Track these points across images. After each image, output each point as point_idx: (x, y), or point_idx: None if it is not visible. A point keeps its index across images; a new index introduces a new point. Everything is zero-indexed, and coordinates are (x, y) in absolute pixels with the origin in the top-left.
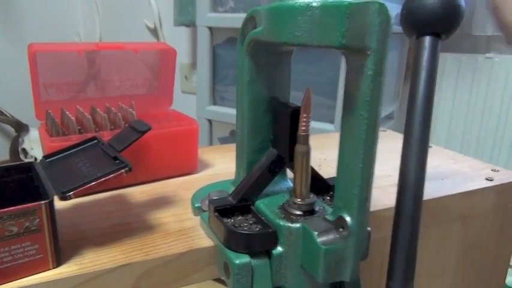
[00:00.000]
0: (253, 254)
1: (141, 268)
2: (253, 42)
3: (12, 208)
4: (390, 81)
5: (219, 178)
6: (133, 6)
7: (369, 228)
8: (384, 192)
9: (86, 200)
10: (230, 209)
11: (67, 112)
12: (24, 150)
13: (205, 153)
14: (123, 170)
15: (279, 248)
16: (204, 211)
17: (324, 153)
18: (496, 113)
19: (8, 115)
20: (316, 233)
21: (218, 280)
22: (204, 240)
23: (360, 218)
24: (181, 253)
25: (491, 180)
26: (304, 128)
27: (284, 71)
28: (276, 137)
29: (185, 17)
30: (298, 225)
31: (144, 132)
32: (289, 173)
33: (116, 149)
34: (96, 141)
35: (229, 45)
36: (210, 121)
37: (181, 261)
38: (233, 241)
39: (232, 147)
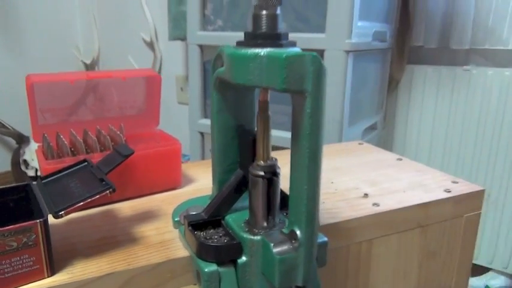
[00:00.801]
0: (221, 263)
1: (124, 276)
2: (219, 80)
3: (12, 226)
4: (373, 93)
5: (200, 193)
6: (130, 20)
7: (325, 238)
8: (349, 204)
9: (78, 215)
10: (204, 223)
11: (61, 136)
12: (25, 161)
13: (189, 168)
14: (107, 191)
15: (243, 258)
16: (182, 225)
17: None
18: (474, 122)
19: (9, 127)
20: (272, 244)
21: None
22: (181, 251)
23: (308, 231)
24: (160, 263)
25: (448, 191)
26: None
27: (248, 103)
28: (243, 159)
29: (179, 31)
30: (258, 237)
31: (127, 156)
32: None
33: (102, 171)
34: (86, 163)
35: None
36: (202, 134)
37: (160, 269)
38: (203, 252)
39: None
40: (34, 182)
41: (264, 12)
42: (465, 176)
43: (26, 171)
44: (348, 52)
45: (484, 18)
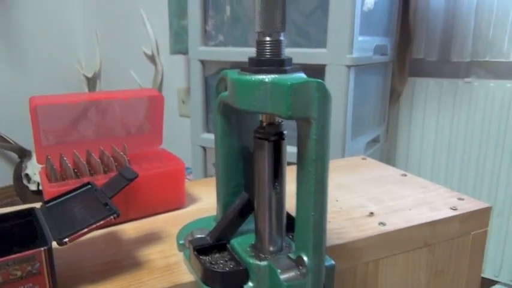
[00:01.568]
0: None
1: None
2: (223, 103)
3: (16, 255)
4: (375, 106)
5: (204, 212)
6: (132, 34)
7: (332, 262)
8: (354, 223)
9: (82, 238)
10: (209, 247)
11: (65, 158)
12: (27, 175)
13: (193, 186)
14: (111, 217)
15: (250, 284)
16: (187, 248)
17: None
18: (477, 134)
19: (11, 142)
20: (279, 270)
21: None
22: (186, 275)
23: (315, 258)
24: None
25: (455, 209)
26: None
27: (252, 126)
28: (247, 182)
29: (180, 45)
30: (265, 263)
31: (131, 180)
32: None
33: (106, 195)
34: (90, 186)
35: None
36: (204, 148)
37: None
38: (209, 278)
39: None
40: (38, 206)
41: (268, 38)
42: (469, 188)
43: (28, 185)
44: (349, 67)
45: (485, 30)
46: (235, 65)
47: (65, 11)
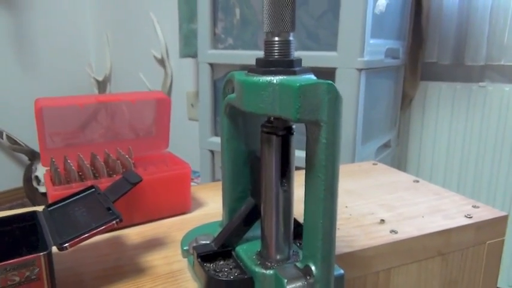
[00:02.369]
0: None
1: None
2: (229, 106)
3: (14, 260)
4: (387, 111)
5: (210, 218)
6: (142, 38)
7: (342, 271)
8: (364, 231)
9: (85, 243)
10: (213, 254)
11: (69, 160)
12: (37, 177)
13: (199, 191)
14: (114, 222)
15: None
16: (191, 254)
17: None
18: (491, 140)
19: (22, 144)
20: (286, 280)
21: None
22: (189, 283)
23: (324, 268)
24: None
25: (470, 217)
26: None
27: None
28: (254, 187)
29: (190, 49)
30: (271, 272)
31: (135, 184)
32: None
33: (109, 199)
34: (93, 190)
35: None
36: (212, 152)
37: None
38: (213, 286)
39: None
40: (41, 209)
41: (277, 38)
42: (483, 194)
43: (38, 187)
44: (360, 70)
45: (499, 33)
46: (244, 68)
47: (75, 15)
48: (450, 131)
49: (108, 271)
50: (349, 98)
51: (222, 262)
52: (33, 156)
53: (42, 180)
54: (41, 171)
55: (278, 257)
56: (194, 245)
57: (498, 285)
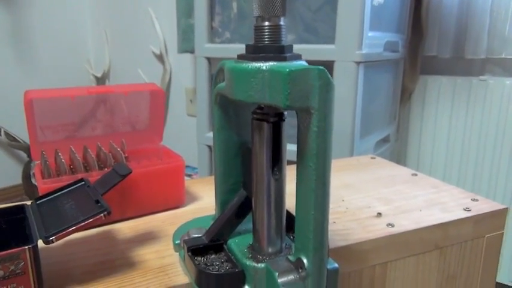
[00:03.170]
0: None
1: None
2: (220, 95)
3: None
4: (386, 105)
5: (204, 212)
6: (140, 34)
7: (336, 265)
8: (361, 224)
9: (75, 237)
10: (204, 248)
11: (59, 154)
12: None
13: (194, 185)
14: (101, 214)
15: (246, 287)
16: (183, 248)
17: None
18: (492, 134)
19: (21, 141)
20: (277, 273)
21: None
22: (180, 277)
23: (316, 260)
24: None
25: (468, 210)
26: None
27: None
28: (246, 179)
29: (188, 44)
30: (262, 265)
31: (124, 176)
32: None
33: (98, 192)
34: (83, 183)
35: None
36: (210, 147)
37: None
38: (203, 280)
39: None
40: (29, 203)
41: (267, 23)
42: (483, 189)
43: (36, 184)
44: (358, 63)
45: (500, 26)
46: None
47: (74, 11)
48: (450, 126)
49: (98, 265)
50: (347, 92)
51: (213, 256)
52: None
53: None
54: None
55: (270, 250)
56: (185, 238)
57: (500, 281)
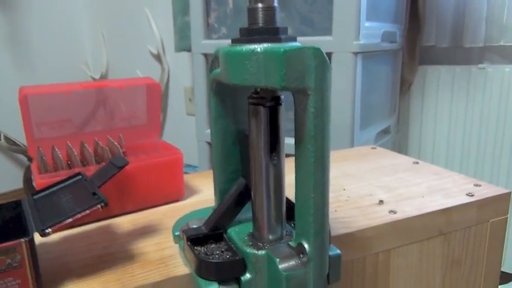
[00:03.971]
0: (223, 281)
1: None
2: (215, 82)
3: None
4: (385, 96)
5: (204, 204)
6: (137, 34)
7: (338, 251)
8: (363, 212)
9: (75, 231)
10: (204, 237)
11: (56, 149)
12: None
13: (193, 179)
14: (98, 206)
15: (247, 275)
16: (182, 239)
17: None
18: (492, 122)
19: (21, 145)
20: (278, 259)
21: None
22: (180, 268)
23: (317, 244)
24: (158, 282)
25: (471, 195)
26: None
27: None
28: (245, 167)
29: (185, 42)
30: (263, 252)
31: (121, 168)
32: None
33: (95, 184)
34: (80, 176)
35: None
36: (209, 144)
37: None
38: (203, 269)
39: None
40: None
41: (260, 5)
42: (486, 176)
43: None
44: (356, 54)
45: (498, 13)
46: None
47: (70, 13)
48: (451, 115)
49: (97, 259)
50: (345, 83)
51: (213, 245)
52: None
53: None
54: None
55: (270, 237)
56: (185, 229)
57: (506, 271)
